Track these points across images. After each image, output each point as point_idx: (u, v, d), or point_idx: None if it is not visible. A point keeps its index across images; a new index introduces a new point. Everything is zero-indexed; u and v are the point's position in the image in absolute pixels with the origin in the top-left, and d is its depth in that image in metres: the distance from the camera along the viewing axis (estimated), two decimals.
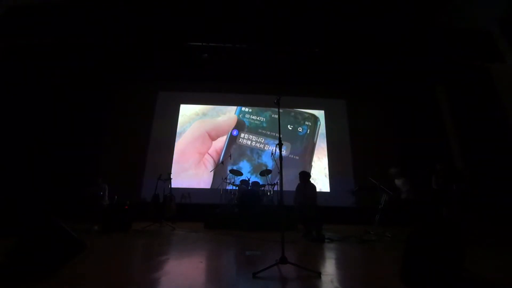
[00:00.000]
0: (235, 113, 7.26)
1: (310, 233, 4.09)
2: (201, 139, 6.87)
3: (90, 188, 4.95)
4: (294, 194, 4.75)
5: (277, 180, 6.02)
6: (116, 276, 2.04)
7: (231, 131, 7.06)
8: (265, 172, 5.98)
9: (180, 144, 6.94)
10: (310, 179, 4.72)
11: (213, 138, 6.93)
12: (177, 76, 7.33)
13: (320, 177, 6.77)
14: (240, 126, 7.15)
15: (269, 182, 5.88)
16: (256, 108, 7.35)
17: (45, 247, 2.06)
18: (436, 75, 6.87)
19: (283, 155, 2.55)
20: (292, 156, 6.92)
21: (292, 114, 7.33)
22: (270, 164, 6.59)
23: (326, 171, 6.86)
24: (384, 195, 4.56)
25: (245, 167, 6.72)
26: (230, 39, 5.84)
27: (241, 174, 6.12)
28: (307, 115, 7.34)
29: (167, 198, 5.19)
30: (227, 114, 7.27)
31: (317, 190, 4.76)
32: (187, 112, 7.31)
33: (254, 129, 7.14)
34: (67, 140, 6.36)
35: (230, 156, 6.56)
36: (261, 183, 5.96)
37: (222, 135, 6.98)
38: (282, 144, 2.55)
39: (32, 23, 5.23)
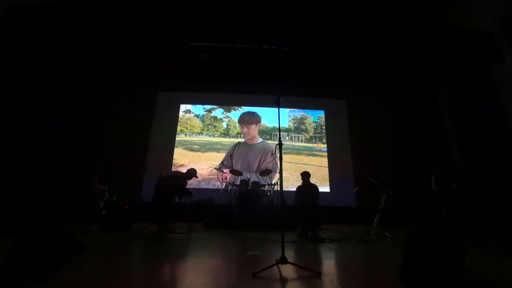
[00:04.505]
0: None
1: (306, 234, 4.09)
2: None
3: (86, 188, 4.96)
4: (294, 196, 4.75)
5: (277, 180, 6.03)
6: (116, 276, 2.03)
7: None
8: (265, 172, 5.99)
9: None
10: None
11: None
12: (177, 76, 7.32)
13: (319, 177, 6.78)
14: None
15: (269, 182, 5.88)
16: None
17: (45, 247, 2.06)
18: (436, 75, 6.87)
19: None
20: None
21: None
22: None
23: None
24: (384, 195, 4.56)
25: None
26: (230, 39, 5.84)
27: (241, 174, 6.12)
28: None
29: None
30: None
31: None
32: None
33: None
34: (67, 139, 6.35)
35: (231, 156, 6.56)
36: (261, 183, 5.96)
37: None
38: (282, 144, 2.55)
39: (32, 23, 5.22)
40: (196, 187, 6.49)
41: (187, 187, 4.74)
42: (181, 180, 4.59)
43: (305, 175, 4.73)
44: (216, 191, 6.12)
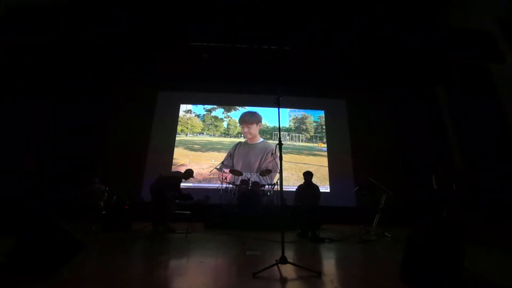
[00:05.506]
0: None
1: (306, 234, 4.09)
2: None
3: (86, 188, 4.96)
4: (295, 196, 4.75)
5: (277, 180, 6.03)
6: (116, 276, 2.03)
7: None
8: (265, 172, 5.98)
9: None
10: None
11: None
12: (177, 76, 7.32)
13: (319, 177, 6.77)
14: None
15: (269, 182, 5.87)
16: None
17: (45, 247, 2.06)
18: (436, 75, 6.87)
19: None
20: None
21: None
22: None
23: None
24: (384, 195, 4.56)
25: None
26: (230, 39, 5.84)
27: (241, 174, 6.12)
28: None
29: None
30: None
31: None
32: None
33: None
34: (67, 139, 6.35)
35: (231, 156, 6.56)
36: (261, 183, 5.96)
37: None
38: (282, 144, 2.54)
39: (32, 23, 5.22)
40: (196, 187, 6.50)
41: (187, 188, 4.74)
42: (176, 180, 4.62)
43: (308, 175, 4.71)
44: (216, 191, 6.12)
